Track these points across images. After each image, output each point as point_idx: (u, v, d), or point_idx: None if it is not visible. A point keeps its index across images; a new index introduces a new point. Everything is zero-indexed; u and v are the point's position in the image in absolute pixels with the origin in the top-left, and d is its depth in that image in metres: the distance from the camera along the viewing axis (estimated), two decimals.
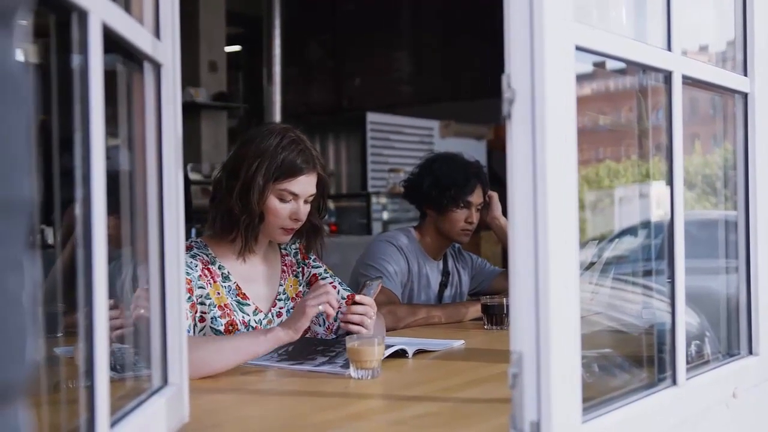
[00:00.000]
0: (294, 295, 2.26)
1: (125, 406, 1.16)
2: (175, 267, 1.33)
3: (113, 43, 1.07)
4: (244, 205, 2.07)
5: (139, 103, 1.29)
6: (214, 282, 2.09)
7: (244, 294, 2.14)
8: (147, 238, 1.31)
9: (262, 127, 2.19)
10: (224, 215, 2.11)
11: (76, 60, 0.97)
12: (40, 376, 1.03)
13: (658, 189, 1.75)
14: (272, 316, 2.19)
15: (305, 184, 2.11)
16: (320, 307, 1.90)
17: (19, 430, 0.57)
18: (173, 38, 1.33)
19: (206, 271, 2.08)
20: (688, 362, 1.47)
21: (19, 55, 0.56)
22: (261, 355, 1.93)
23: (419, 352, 2.10)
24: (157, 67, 1.29)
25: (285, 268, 2.27)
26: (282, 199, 2.09)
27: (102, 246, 0.97)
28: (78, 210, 0.96)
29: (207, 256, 2.12)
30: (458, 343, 2.27)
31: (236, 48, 9.21)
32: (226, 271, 2.13)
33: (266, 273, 2.23)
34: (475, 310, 2.73)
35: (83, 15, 0.95)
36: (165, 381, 1.32)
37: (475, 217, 2.91)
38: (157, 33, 1.29)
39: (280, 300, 2.23)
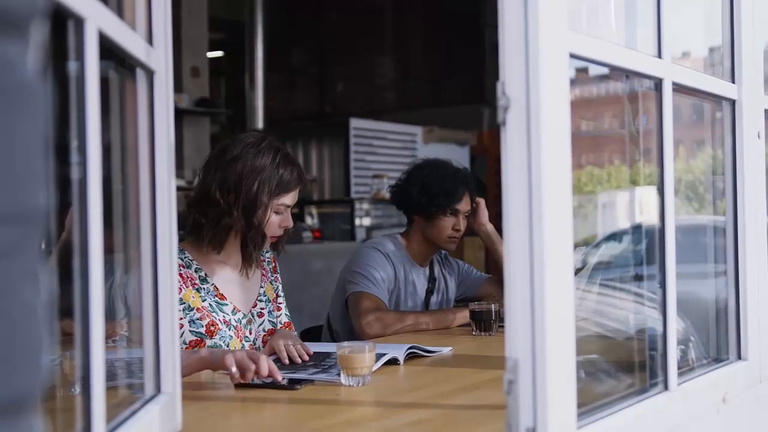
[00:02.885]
0: (272, 299, 2.34)
1: (119, 414, 1.15)
2: (167, 275, 1.32)
3: (106, 49, 1.06)
4: (250, 223, 2.14)
5: (132, 109, 1.28)
6: (192, 284, 2.14)
7: (222, 294, 2.19)
8: (139, 246, 1.30)
9: (244, 138, 2.20)
10: (224, 230, 2.15)
11: (71, 66, 0.97)
12: None
13: (642, 194, 1.76)
14: (252, 316, 2.25)
15: (296, 195, 2.23)
16: (233, 369, 1.72)
17: None
18: (166, 45, 1.32)
19: (178, 276, 2.09)
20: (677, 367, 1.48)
21: (33, 65, 0.55)
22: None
23: (411, 356, 2.10)
24: (150, 74, 1.28)
25: (264, 272, 2.35)
26: (278, 212, 2.19)
27: (98, 253, 0.97)
28: (74, 217, 0.96)
29: (182, 260, 2.16)
30: (446, 350, 2.27)
31: (218, 53, 9.18)
32: (203, 274, 2.18)
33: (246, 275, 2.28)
34: (462, 316, 2.74)
35: (80, 22, 0.95)
36: (158, 389, 1.31)
37: (463, 225, 2.91)
38: (150, 40, 1.29)
39: (261, 300, 2.30)
